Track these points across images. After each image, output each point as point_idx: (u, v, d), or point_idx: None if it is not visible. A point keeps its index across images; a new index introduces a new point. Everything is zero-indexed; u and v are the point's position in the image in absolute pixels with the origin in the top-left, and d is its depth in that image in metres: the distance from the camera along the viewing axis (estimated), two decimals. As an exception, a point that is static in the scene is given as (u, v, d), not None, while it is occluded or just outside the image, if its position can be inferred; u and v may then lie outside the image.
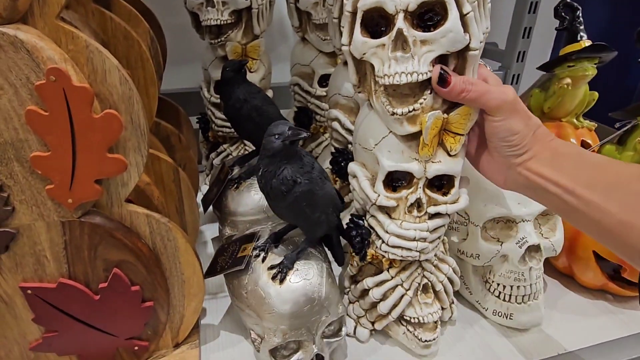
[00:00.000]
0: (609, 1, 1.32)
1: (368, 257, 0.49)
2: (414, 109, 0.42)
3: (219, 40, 0.71)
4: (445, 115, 0.44)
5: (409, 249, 0.46)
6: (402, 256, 0.47)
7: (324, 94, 0.78)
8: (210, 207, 0.69)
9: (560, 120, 0.81)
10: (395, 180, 0.47)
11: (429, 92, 0.42)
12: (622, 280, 0.60)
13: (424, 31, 0.41)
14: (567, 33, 0.78)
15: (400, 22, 0.40)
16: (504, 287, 0.55)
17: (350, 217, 0.50)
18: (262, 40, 0.74)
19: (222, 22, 0.69)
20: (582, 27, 0.77)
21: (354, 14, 0.42)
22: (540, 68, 0.80)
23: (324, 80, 0.78)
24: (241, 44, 0.73)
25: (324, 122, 0.82)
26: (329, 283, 0.48)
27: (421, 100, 0.42)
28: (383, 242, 0.47)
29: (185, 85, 0.96)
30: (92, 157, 0.39)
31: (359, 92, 0.46)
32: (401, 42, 0.41)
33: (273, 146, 0.43)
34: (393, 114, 0.42)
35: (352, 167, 0.50)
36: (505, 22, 1.19)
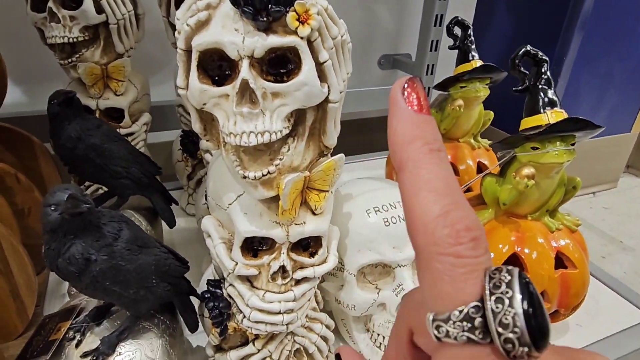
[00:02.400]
0: (508, 21, 1.36)
1: (230, 331, 0.43)
2: (268, 172, 0.36)
3: (70, 60, 0.59)
4: (307, 173, 0.38)
5: (274, 324, 0.40)
6: (266, 331, 0.41)
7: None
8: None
9: (457, 140, 0.81)
10: (256, 244, 0.41)
11: (286, 149, 0.37)
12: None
13: (275, 81, 0.34)
14: (459, 52, 0.76)
15: (245, 71, 0.33)
16: (384, 337, 0.51)
17: (207, 283, 0.44)
18: (126, 60, 0.63)
19: (71, 40, 0.57)
20: (473, 47, 0.75)
21: (188, 52, 0.34)
22: (436, 87, 0.78)
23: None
24: (100, 64, 0.61)
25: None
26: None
27: (277, 161, 0.36)
28: (245, 316, 0.41)
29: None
30: None
31: (207, 140, 0.39)
32: (248, 94, 0.34)
33: (49, 220, 0.35)
34: (244, 177, 0.36)
35: (206, 224, 0.42)
36: (417, 34, 1.16)
